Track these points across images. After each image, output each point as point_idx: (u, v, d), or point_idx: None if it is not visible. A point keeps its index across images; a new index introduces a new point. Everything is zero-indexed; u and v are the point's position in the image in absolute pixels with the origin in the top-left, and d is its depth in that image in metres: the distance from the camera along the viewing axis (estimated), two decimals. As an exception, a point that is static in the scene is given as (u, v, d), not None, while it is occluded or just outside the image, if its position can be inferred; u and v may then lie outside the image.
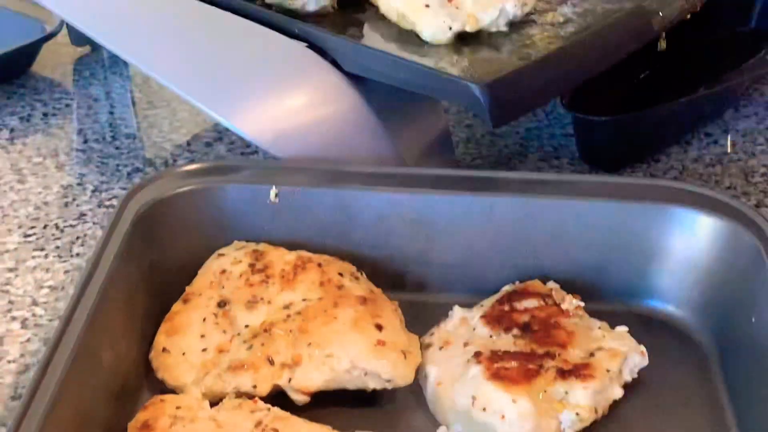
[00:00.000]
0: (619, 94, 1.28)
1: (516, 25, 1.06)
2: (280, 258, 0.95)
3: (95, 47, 1.51)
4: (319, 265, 0.94)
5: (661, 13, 1.11)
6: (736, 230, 0.91)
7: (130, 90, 1.43)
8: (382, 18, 1.10)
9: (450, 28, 1.05)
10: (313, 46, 1.05)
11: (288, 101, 1.01)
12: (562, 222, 0.95)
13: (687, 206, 0.94)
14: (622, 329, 0.91)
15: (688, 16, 1.14)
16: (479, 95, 0.93)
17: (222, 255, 0.97)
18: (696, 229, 0.93)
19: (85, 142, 1.30)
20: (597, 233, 0.95)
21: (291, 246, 0.97)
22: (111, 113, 1.37)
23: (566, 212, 0.95)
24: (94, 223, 1.14)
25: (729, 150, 1.22)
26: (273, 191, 0.97)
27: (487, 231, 0.96)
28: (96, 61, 1.50)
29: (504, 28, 1.06)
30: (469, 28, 1.05)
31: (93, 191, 1.20)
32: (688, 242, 0.93)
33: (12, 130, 1.33)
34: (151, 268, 0.95)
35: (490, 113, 0.94)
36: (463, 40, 1.05)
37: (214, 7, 1.11)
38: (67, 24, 1.39)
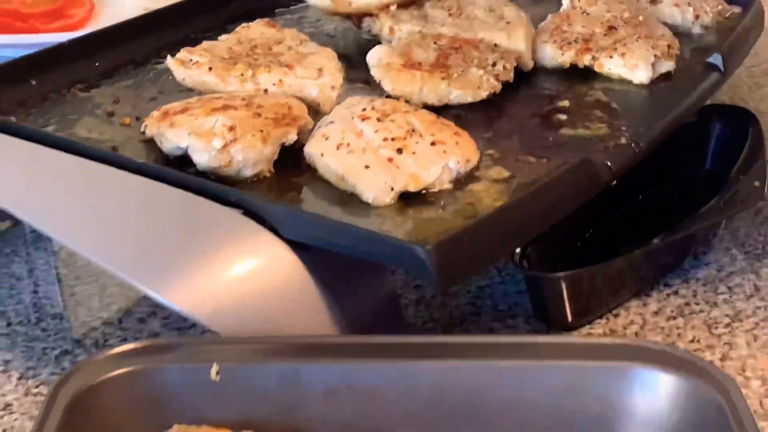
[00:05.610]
0: (574, 248, 1.34)
1: (460, 182, 1.15)
2: (224, 441, 0.98)
3: (16, 222, 1.53)
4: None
5: (609, 163, 1.18)
6: (698, 388, 0.95)
7: (55, 266, 1.45)
8: (321, 180, 1.16)
9: (392, 189, 1.11)
10: (251, 213, 1.10)
11: (225, 272, 1.05)
12: (518, 386, 0.99)
13: (647, 365, 0.98)
14: None
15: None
16: (425, 258, 0.98)
17: (161, 441, 0.99)
18: (657, 388, 0.97)
19: (9, 325, 1.32)
20: (555, 397, 0.99)
21: (235, 426, 1.00)
22: (35, 292, 1.39)
23: (523, 377, 0.99)
24: (21, 414, 1.15)
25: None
26: (214, 369, 1.00)
27: (440, 402, 0.99)
28: (18, 236, 1.52)
29: (448, 186, 1.14)
30: (411, 188, 1.12)
31: (19, 378, 1.21)
32: (649, 402, 0.97)
33: (-73, 316, 1.33)
34: (86, 459, 0.97)
35: (437, 276, 1.00)
36: (407, 199, 1.12)
37: (141, 177, 1.15)
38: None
